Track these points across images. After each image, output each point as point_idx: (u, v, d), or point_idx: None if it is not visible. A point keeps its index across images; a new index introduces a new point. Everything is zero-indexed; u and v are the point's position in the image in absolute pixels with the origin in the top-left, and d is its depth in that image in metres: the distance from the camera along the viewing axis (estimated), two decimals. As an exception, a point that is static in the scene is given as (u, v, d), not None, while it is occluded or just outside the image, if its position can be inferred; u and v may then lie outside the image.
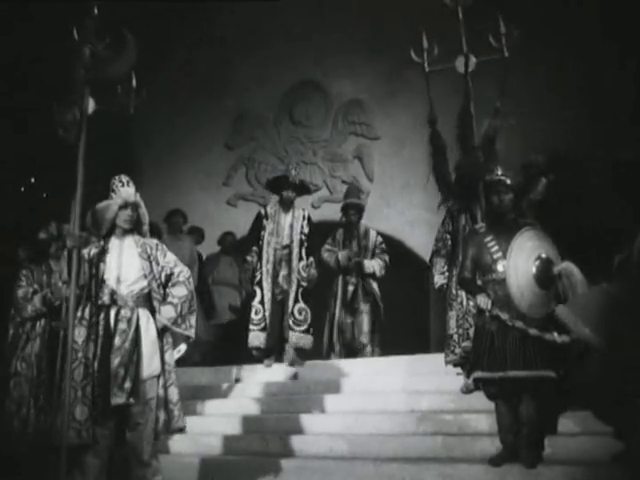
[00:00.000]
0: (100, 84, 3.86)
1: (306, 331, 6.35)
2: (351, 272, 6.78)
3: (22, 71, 7.92)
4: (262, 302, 6.37)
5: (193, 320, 4.24)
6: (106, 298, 4.04)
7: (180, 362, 4.47)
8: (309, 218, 6.69)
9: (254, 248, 6.53)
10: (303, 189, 6.90)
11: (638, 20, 6.71)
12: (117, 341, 3.96)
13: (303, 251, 6.49)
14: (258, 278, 6.44)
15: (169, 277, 4.22)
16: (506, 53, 4.74)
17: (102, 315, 4.01)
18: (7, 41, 7.72)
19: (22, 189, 5.78)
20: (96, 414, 3.87)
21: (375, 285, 6.81)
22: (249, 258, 6.52)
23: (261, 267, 6.44)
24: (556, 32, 7.61)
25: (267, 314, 6.34)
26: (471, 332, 4.64)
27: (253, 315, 6.38)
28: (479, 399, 4.47)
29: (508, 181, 4.22)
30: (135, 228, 4.25)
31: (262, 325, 6.34)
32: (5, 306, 5.03)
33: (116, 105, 3.92)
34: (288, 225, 6.57)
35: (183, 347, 4.39)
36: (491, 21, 4.81)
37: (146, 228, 4.31)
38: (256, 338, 6.33)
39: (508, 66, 4.77)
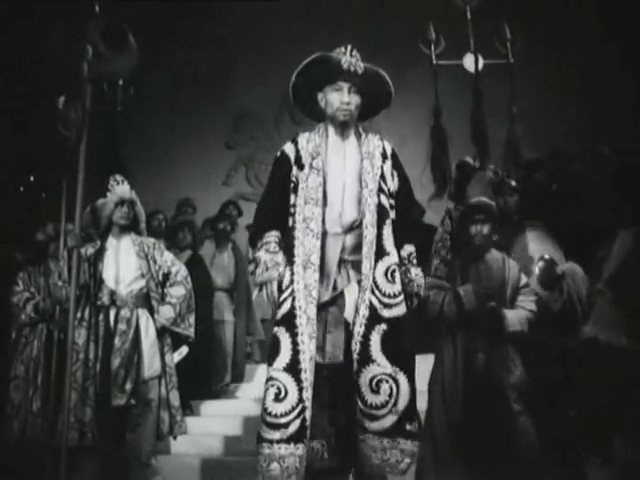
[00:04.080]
0: (102, 82, 3.87)
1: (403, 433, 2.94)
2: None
3: (22, 71, 7.92)
4: (294, 368, 2.93)
5: (192, 319, 4.24)
6: (105, 299, 4.04)
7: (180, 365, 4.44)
8: (395, 157, 3.28)
9: (272, 235, 3.14)
10: (375, 87, 3.29)
11: (638, 20, 6.72)
12: (117, 342, 3.96)
13: (389, 234, 3.10)
14: (285, 309, 3.02)
15: (167, 276, 4.22)
16: (511, 59, 4.74)
17: (102, 316, 4.01)
18: (7, 41, 7.71)
19: (21, 189, 5.79)
20: (97, 415, 3.87)
21: None
22: (264, 256, 3.12)
23: (292, 277, 3.04)
24: (556, 32, 7.62)
25: (305, 394, 2.90)
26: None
27: (270, 399, 2.93)
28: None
29: (513, 182, 4.21)
30: (132, 227, 4.25)
31: (292, 416, 2.90)
32: (6, 308, 5.04)
33: (104, 102, 3.92)
34: (352, 172, 3.17)
35: (184, 349, 4.38)
36: (493, 20, 4.81)
37: (143, 226, 4.31)
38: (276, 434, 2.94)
39: (513, 72, 4.77)
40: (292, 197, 3.12)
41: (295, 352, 2.90)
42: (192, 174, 9.62)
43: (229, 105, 9.65)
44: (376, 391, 2.89)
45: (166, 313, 4.12)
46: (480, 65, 4.86)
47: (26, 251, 5.32)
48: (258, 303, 6.34)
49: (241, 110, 9.72)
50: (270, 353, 3.00)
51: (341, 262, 3.08)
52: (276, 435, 2.86)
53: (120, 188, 4.21)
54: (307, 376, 2.88)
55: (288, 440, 2.85)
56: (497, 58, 4.81)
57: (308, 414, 2.85)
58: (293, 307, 2.97)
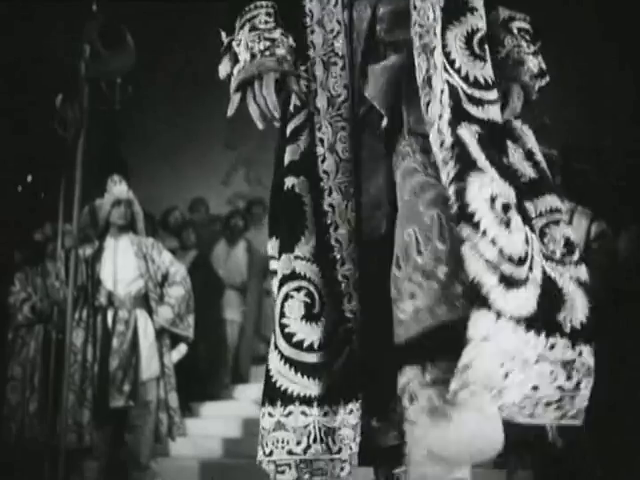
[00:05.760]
0: (100, 81, 3.86)
1: None
2: None
3: (21, 71, 7.92)
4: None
5: (191, 320, 4.23)
6: (103, 299, 4.03)
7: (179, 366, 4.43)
8: None
9: (262, 4, 1.87)
10: None
11: (638, 20, 6.71)
12: (115, 343, 3.96)
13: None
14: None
15: (165, 276, 4.21)
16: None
17: (100, 317, 4.01)
18: (7, 41, 7.71)
19: (19, 188, 5.78)
20: (95, 417, 3.87)
21: None
22: (247, 36, 1.85)
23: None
24: (556, 31, 7.61)
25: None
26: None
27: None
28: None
29: None
30: (130, 227, 4.25)
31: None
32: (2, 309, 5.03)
33: (102, 102, 3.91)
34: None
35: (183, 348, 4.37)
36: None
37: (141, 226, 4.30)
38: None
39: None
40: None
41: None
42: (192, 174, 9.62)
43: (228, 105, 9.63)
44: None
45: (165, 314, 4.11)
46: None
47: (24, 251, 5.31)
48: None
49: (241, 110, 9.71)
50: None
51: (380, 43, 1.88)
52: None
53: (117, 188, 4.21)
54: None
55: None
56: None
57: None
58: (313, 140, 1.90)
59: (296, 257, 1.88)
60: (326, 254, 1.89)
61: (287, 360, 1.84)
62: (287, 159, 1.94)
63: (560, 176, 3.82)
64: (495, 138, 1.75)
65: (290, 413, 1.82)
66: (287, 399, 1.83)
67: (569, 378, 1.65)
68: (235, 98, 2.06)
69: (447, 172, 1.67)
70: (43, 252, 5.07)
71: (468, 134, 1.69)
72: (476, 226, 1.58)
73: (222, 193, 9.61)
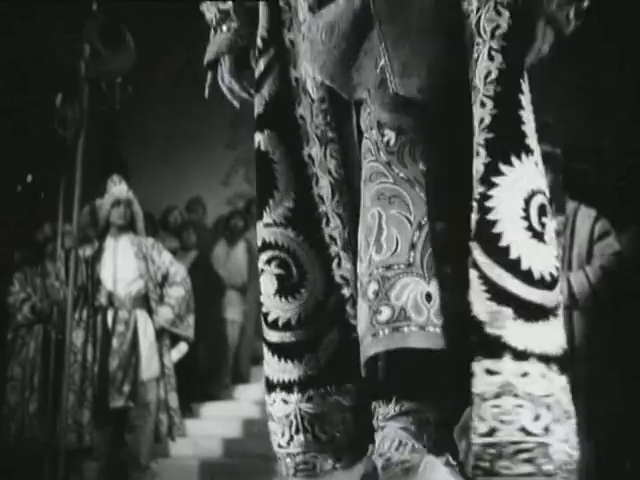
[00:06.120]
0: (100, 81, 3.85)
1: None
2: None
3: (22, 71, 7.91)
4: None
5: (191, 320, 4.23)
6: (103, 300, 4.03)
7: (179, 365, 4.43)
8: None
9: None
10: None
11: (638, 20, 6.71)
12: (115, 343, 3.96)
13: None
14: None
15: (165, 277, 4.21)
16: None
17: (99, 317, 4.00)
18: (7, 41, 7.70)
19: (19, 188, 5.77)
20: (95, 417, 3.87)
21: None
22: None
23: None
24: (555, 31, 7.60)
25: None
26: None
27: None
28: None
29: None
30: (130, 227, 4.24)
31: None
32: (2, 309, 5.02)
33: (102, 101, 3.91)
34: None
35: (183, 346, 4.37)
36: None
37: (141, 226, 4.30)
38: None
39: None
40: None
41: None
42: (192, 174, 9.61)
43: (229, 104, 9.63)
44: None
45: (165, 314, 4.11)
46: None
47: (24, 251, 5.30)
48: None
49: (241, 110, 9.70)
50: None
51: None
52: None
53: (116, 188, 4.21)
54: None
55: None
56: None
57: None
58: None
59: (266, 225, 1.60)
60: (308, 214, 1.60)
61: (266, 343, 1.62)
62: (255, 113, 1.71)
63: (561, 175, 3.82)
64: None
65: (274, 402, 1.61)
66: (270, 387, 1.62)
67: (536, 419, 1.27)
68: (208, 77, 1.85)
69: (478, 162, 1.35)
70: (43, 252, 5.06)
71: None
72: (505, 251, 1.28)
73: (222, 193, 9.61)
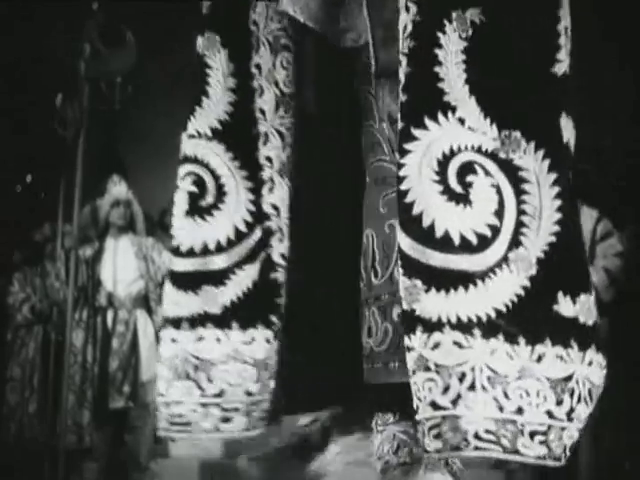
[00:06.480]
0: (99, 81, 3.85)
1: None
2: None
3: (22, 71, 7.91)
4: None
5: (192, 321, 4.23)
6: (103, 300, 4.03)
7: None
8: None
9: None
10: None
11: (638, 20, 6.71)
12: (115, 344, 3.96)
13: None
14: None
15: (165, 277, 4.21)
16: None
17: (99, 318, 4.00)
18: (7, 41, 7.69)
19: (18, 188, 5.77)
20: (95, 418, 3.87)
21: None
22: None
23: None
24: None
25: None
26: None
27: None
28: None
29: None
30: (130, 227, 4.24)
31: None
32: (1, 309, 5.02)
33: (102, 101, 3.91)
34: None
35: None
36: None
37: (140, 226, 4.30)
38: None
39: None
40: None
41: None
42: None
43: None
44: None
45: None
46: None
47: (24, 251, 5.30)
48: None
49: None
50: None
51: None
52: None
53: (116, 189, 4.21)
54: None
55: None
56: None
57: None
58: None
59: (189, 136, 1.47)
60: (244, 129, 1.43)
61: (169, 274, 1.44)
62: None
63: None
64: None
65: (164, 341, 1.37)
66: (163, 323, 1.39)
67: (559, 403, 1.19)
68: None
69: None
70: (43, 252, 5.06)
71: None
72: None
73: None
